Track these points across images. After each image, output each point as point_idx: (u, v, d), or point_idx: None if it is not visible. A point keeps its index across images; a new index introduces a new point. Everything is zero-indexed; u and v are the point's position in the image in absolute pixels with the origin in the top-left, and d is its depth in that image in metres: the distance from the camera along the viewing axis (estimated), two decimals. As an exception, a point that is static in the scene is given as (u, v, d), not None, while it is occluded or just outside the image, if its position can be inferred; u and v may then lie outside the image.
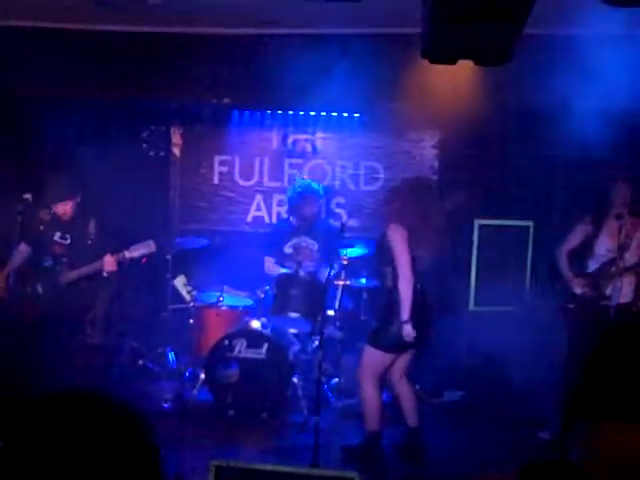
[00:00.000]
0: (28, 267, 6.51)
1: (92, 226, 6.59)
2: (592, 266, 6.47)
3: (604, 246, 6.42)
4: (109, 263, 6.38)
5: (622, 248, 6.25)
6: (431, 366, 6.91)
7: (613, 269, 6.28)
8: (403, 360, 5.88)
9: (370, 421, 5.85)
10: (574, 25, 6.43)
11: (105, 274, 6.46)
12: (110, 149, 7.72)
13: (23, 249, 6.47)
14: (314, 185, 7.34)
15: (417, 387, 6.66)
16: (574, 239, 6.61)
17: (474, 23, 2.96)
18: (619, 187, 6.36)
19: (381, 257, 5.83)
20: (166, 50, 7.41)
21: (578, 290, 6.39)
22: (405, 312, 5.59)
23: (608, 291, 6.26)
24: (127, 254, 6.38)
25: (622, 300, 6.23)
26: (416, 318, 5.61)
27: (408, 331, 5.57)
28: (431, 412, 6.73)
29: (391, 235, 5.69)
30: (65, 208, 6.51)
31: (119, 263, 6.41)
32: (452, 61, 3.38)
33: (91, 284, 6.58)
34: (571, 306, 6.38)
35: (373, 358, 5.78)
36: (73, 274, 6.49)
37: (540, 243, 7.43)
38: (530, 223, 7.53)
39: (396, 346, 5.73)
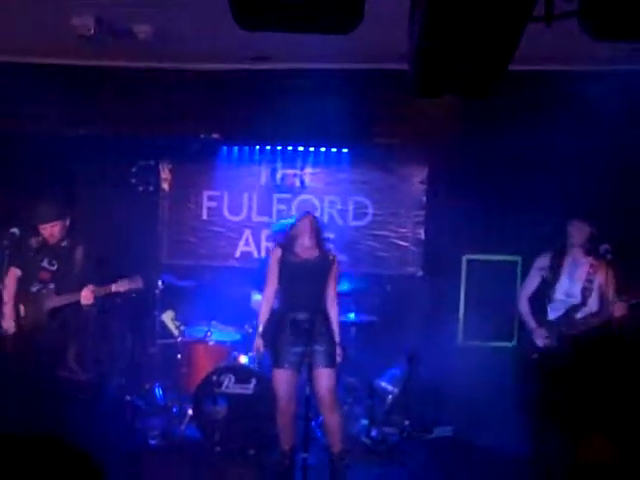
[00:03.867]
0: (19, 292, 6.48)
1: (79, 254, 6.50)
2: (551, 313, 6.26)
3: (562, 290, 6.23)
4: (86, 296, 6.29)
5: (585, 293, 6.14)
6: (420, 402, 6.88)
7: (578, 316, 6.14)
8: None
9: (340, 441, 5.89)
10: (564, 62, 6.53)
11: (83, 306, 6.39)
12: (99, 183, 7.72)
13: (13, 273, 6.44)
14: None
15: (407, 422, 6.63)
16: (531, 284, 6.46)
17: (458, 59, 2.99)
18: (575, 226, 6.23)
19: (320, 282, 5.94)
20: (154, 85, 7.41)
21: (540, 342, 6.19)
22: (338, 335, 5.93)
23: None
24: (114, 287, 6.31)
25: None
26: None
27: (340, 353, 5.89)
28: (421, 448, 6.69)
29: (334, 261, 5.94)
30: (53, 230, 6.40)
31: (97, 297, 6.31)
32: (436, 95, 3.41)
33: (73, 315, 6.54)
34: (535, 356, 6.18)
35: (333, 379, 5.85)
36: (55, 301, 6.41)
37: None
38: (518, 258, 7.54)
39: None
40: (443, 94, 3.36)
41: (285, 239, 6.09)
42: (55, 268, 6.50)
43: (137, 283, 6.35)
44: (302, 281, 5.93)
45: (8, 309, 6.43)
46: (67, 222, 6.47)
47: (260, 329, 6.00)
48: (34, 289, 6.45)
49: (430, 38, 2.90)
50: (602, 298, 6.17)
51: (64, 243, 6.49)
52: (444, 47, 2.93)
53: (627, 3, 2.67)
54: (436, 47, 2.94)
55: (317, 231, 6.02)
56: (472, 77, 3.16)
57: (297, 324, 5.79)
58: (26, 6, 5.70)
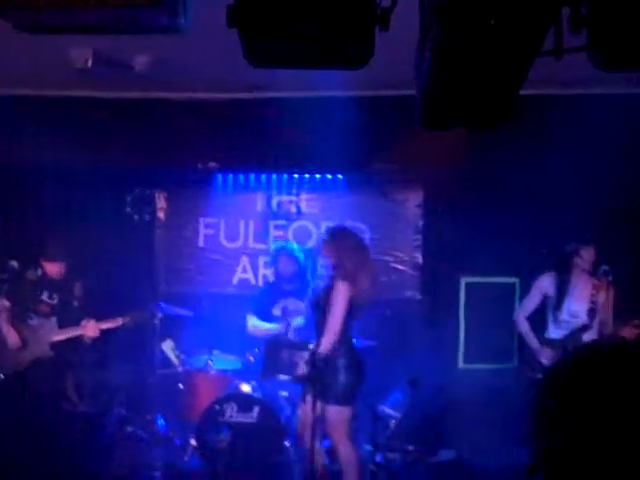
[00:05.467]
0: (17, 325, 6.54)
1: (78, 289, 6.70)
2: (555, 332, 6.33)
3: (567, 310, 6.28)
4: (92, 330, 6.50)
5: (591, 313, 6.16)
6: (423, 426, 6.86)
7: (584, 337, 6.13)
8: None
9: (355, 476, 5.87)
10: (564, 86, 6.57)
11: (87, 340, 6.56)
12: (95, 213, 7.71)
13: (1, 304, 6.49)
14: (290, 246, 7.40)
15: (410, 447, 6.61)
16: (532, 302, 6.52)
17: (466, 94, 3.02)
18: (588, 250, 6.28)
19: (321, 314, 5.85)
20: (150, 115, 7.45)
21: (545, 361, 6.19)
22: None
23: None
24: (121, 321, 6.59)
25: None
26: (354, 374, 5.76)
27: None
28: (426, 472, 6.67)
29: (336, 291, 5.72)
30: (59, 268, 6.62)
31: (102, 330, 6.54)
32: (445, 128, 3.45)
33: (71, 346, 6.62)
34: (539, 376, 6.14)
35: (343, 415, 5.81)
36: (58, 334, 6.53)
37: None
38: (516, 280, 7.56)
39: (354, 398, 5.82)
40: (451, 127, 3.39)
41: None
42: (55, 301, 6.60)
43: (144, 316, 6.61)
44: (315, 314, 5.96)
45: (11, 336, 6.41)
46: (70, 261, 6.68)
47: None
48: (34, 322, 6.48)
49: (439, 77, 2.93)
50: (602, 319, 6.20)
51: (65, 277, 6.65)
52: (452, 84, 2.95)
53: (636, 34, 2.69)
54: (444, 86, 2.97)
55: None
56: (480, 111, 3.19)
57: (313, 357, 5.82)
58: (23, 39, 5.71)
